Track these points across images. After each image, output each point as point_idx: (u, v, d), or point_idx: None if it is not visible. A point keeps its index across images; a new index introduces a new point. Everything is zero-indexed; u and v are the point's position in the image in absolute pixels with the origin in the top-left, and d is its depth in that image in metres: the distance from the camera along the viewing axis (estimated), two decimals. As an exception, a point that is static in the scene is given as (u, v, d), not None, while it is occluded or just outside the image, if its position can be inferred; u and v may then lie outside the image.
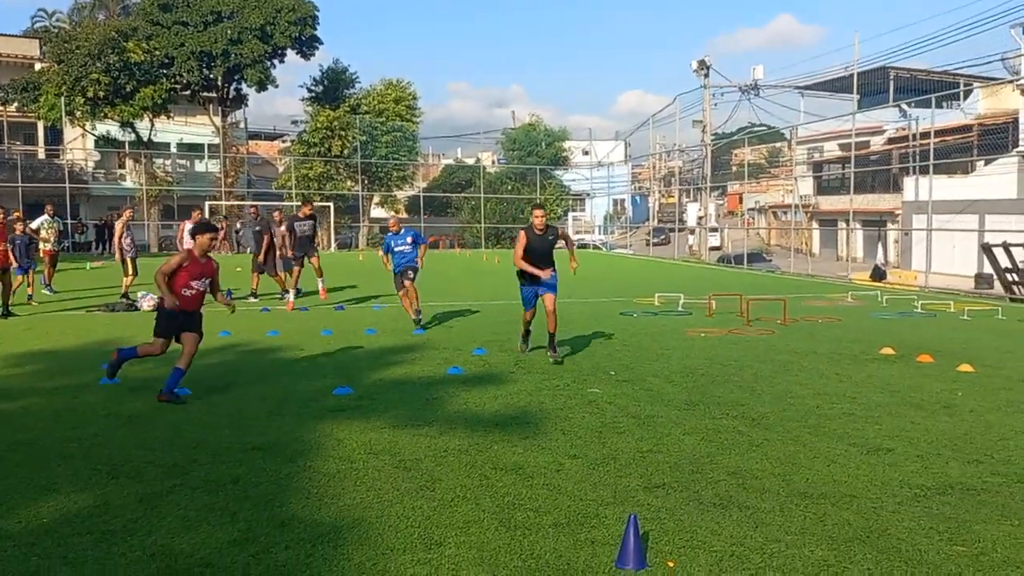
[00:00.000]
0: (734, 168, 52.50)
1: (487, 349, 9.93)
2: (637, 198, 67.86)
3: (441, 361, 9.14)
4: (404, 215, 53.26)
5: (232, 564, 3.70)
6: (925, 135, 26.20)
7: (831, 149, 46.88)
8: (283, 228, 14.99)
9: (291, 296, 14.51)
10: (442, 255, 37.03)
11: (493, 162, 58.51)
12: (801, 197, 42.38)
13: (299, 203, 20.25)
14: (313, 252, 14.77)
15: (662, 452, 5.58)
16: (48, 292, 16.33)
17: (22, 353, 9.43)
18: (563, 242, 9.69)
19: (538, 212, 9.20)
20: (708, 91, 39.99)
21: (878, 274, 26.85)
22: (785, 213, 52.05)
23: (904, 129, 38.17)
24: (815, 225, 46.99)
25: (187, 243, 15.81)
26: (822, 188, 48.55)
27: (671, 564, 3.77)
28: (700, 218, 40.86)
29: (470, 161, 58.80)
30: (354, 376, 8.23)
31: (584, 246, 48.68)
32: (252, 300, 15.38)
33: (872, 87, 43.71)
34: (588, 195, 55.80)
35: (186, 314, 7.10)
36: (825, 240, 47.12)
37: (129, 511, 4.34)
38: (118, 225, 15.53)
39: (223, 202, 41.81)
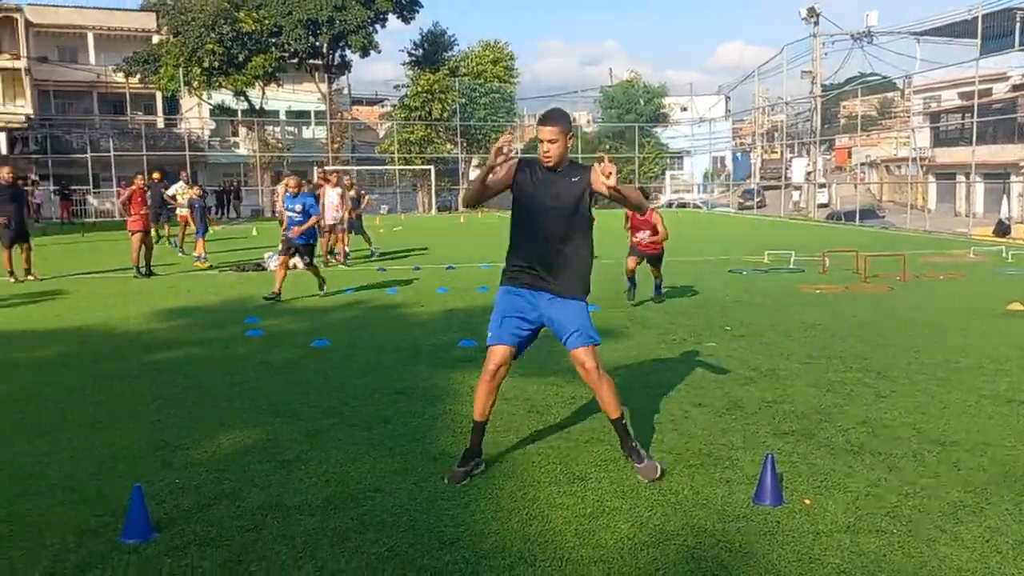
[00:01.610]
0: (842, 121, 50.51)
1: (599, 306, 10.13)
2: (739, 155, 66.22)
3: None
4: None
5: (397, 490, 4.08)
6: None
7: (949, 98, 44.48)
8: (352, 192, 16.28)
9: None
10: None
11: (588, 121, 58.06)
12: (916, 149, 40.55)
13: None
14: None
15: (787, 402, 5.70)
16: (180, 254, 17.41)
17: (171, 309, 10.20)
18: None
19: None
20: (818, 40, 38.52)
21: (1002, 229, 25.62)
22: (899, 167, 49.86)
23: (1031, 75, 35.89)
24: (931, 179, 44.89)
25: (280, 206, 16.76)
26: (939, 140, 46.22)
27: (807, 502, 3.93)
28: (808, 173, 39.64)
29: (566, 120, 58.39)
30: (476, 329, 8.58)
31: (684, 205, 48.03)
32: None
33: (996, 30, 41.10)
34: (687, 153, 54.82)
35: None
36: (942, 195, 44.97)
37: (297, 444, 4.80)
38: (280, 188, 16.81)
39: (330, 167, 43.07)
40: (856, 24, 42.97)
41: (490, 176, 4.12)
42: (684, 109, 55.26)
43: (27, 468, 4.46)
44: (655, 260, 10.33)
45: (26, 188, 18.87)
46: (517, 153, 4.16)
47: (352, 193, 16.37)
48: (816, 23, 38.10)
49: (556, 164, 4.15)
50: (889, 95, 57.74)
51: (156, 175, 18.39)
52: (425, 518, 3.77)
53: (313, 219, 11.03)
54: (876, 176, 54.17)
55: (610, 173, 3.94)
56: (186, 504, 3.93)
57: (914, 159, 41.17)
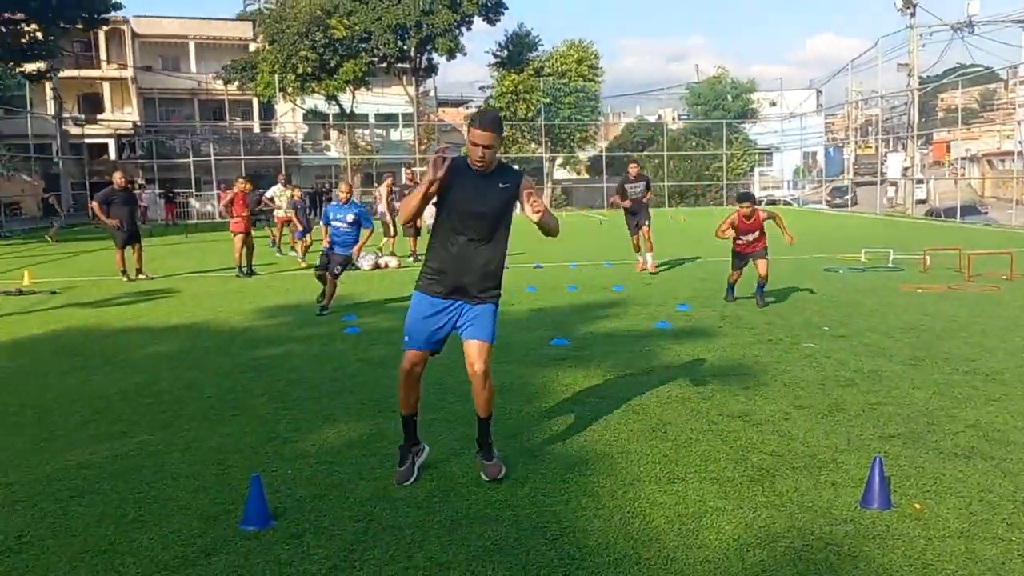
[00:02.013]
0: (940, 114, 48.46)
1: (690, 305, 10.05)
2: (831, 150, 64.27)
3: (646, 316, 9.37)
4: (585, 176, 53.57)
5: (497, 486, 4.17)
6: None
7: (1059, 88, 42.19)
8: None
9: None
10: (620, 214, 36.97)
11: (674, 118, 57.29)
12: (1022, 143, 38.60)
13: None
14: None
15: (892, 404, 5.56)
16: (278, 254, 18.02)
17: (271, 307, 10.59)
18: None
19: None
20: (915, 31, 37.10)
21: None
22: (1002, 161, 47.56)
23: None
24: (1039, 174, 42.62)
25: (382, 205, 17.15)
26: (1049, 133, 43.81)
27: (918, 506, 3.85)
28: (906, 169, 38.21)
29: (651, 119, 57.92)
30: (566, 328, 8.63)
31: (773, 202, 46.94)
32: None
33: (1113, 16, 38.77)
34: (776, 149, 53.54)
35: None
36: (1052, 190, 42.65)
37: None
38: (383, 190, 17.47)
39: (417, 168, 43.82)
40: (956, 14, 41.14)
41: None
42: (773, 104, 54.00)
43: (151, 458, 4.73)
44: (761, 255, 10.01)
45: (136, 192, 20.27)
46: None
47: None
48: (913, 14, 36.69)
49: (488, 168, 4.12)
50: (991, 87, 55.08)
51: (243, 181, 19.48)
52: (527, 513, 3.84)
53: (367, 233, 10.07)
54: (977, 171, 51.81)
55: (537, 211, 3.95)
56: (299, 494, 4.11)
57: (1019, 152, 39.21)
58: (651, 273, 13.55)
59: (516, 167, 4.65)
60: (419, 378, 4.32)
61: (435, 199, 4.15)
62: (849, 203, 41.66)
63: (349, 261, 10.14)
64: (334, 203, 10.13)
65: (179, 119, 49.23)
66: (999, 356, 6.93)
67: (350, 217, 9.87)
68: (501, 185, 4.15)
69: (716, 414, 5.39)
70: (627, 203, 13.49)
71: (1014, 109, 39.80)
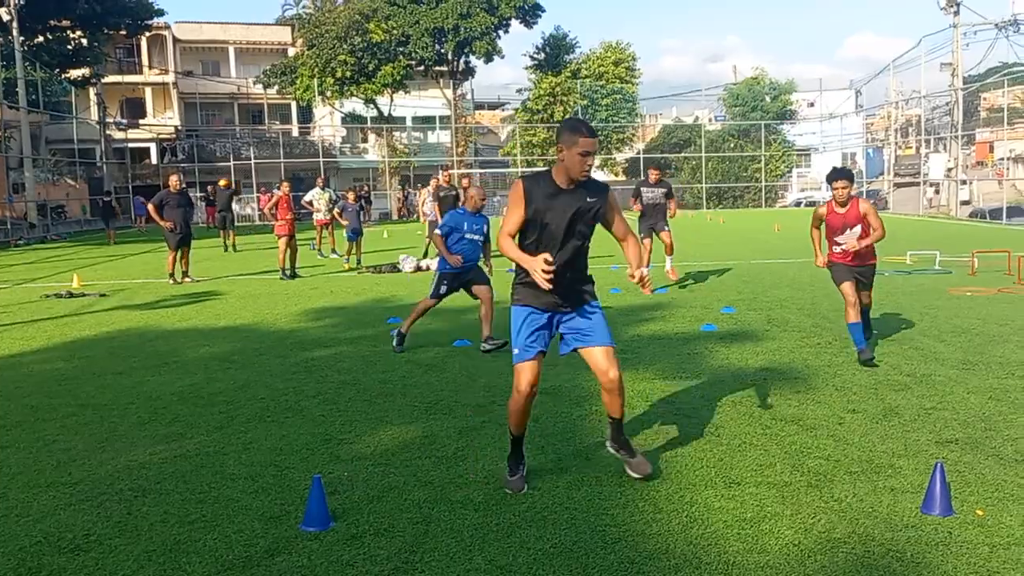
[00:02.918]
0: (983, 113, 47.52)
1: (735, 307, 9.98)
2: (870, 151, 63.35)
3: (692, 319, 9.32)
4: (623, 177, 53.39)
5: (553, 489, 4.19)
6: None
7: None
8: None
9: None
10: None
11: (711, 119, 56.88)
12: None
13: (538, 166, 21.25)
14: None
15: (947, 409, 5.48)
16: (320, 256, 18.22)
17: (317, 309, 10.72)
18: None
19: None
20: (958, 30, 36.43)
21: None
22: (1050, 161, 46.47)
23: None
24: (1089, 174, 41.61)
25: (428, 208, 17.21)
26: (1097, 131, 42.79)
27: (980, 513, 3.79)
28: (949, 170, 37.52)
29: (688, 120, 57.57)
30: (613, 331, 8.54)
31: (812, 203, 46.34)
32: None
33: None
34: (815, 150, 52.90)
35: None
36: (1101, 190, 41.65)
37: (453, 441, 4.99)
38: (430, 189, 17.67)
39: (455, 170, 44.05)
40: (1000, 11, 40.36)
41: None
42: (811, 105, 53.40)
43: (210, 459, 4.82)
44: (867, 277, 7.26)
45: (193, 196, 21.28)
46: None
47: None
48: (956, 12, 36.03)
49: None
50: (1037, 85, 53.89)
51: (223, 182, 19.98)
52: (585, 516, 3.85)
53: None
54: (1022, 171, 50.67)
55: (641, 281, 4.08)
56: (357, 496, 4.17)
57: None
58: (671, 282, 12.52)
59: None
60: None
61: (527, 217, 4.09)
62: (884, 205, 40.97)
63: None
64: (461, 210, 8.03)
65: (219, 123, 50.04)
66: (1056, 361, 6.79)
67: (486, 228, 8.01)
68: (588, 198, 4.08)
69: (769, 418, 5.36)
70: (637, 207, 12.66)
71: (1062, 107, 38.81)
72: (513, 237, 4.13)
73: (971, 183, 44.91)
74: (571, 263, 4.13)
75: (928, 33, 48.63)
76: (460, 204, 15.99)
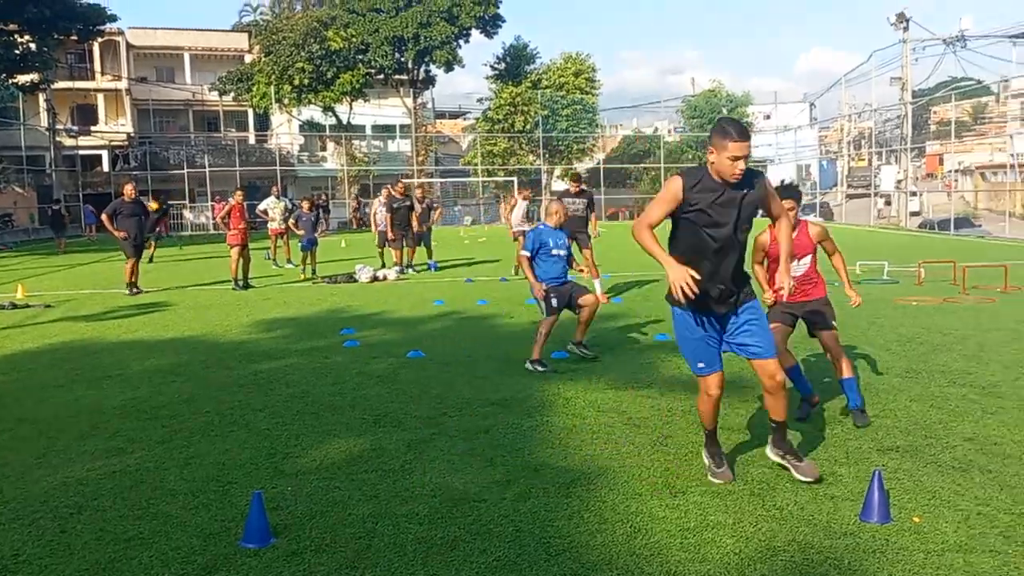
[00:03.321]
0: (933, 127, 48.75)
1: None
2: (824, 163, 64.57)
3: (645, 328, 9.39)
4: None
5: (501, 501, 4.17)
6: None
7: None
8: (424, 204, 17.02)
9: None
10: (623, 225, 37.07)
11: (670, 131, 57.51)
12: (1015, 155, 38.83)
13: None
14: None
15: (890, 417, 5.58)
16: (275, 267, 18.01)
17: (269, 320, 10.59)
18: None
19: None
20: (908, 45, 37.35)
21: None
22: (995, 174, 47.79)
23: None
24: (1032, 186, 42.83)
25: (380, 219, 17.01)
26: (1040, 145, 44.05)
27: (916, 520, 3.86)
28: (899, 182, 38.38)
29: (647, 131, 58.14)
30: (564, 341, 8.63)
31: (769, 214, 46.99)
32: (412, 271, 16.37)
33: (1103, 29, 39.06)
34: (771, 161, 53.75)
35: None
36: (1043, 202, 42.86)
37: (401, 454, 4.94)
38: (376, 203, 17.50)
39: (415, 179, 43.95)
40: (948, 28, 41.42)
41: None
42: (767, 117, 54.30)
43: (150, 474, 4.71)
44: (820, 319, 5.83)
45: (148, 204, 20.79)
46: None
47: (424, 205, 16.95)
48: (906, 28, 36.96)
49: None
50: (983, 100, 55.46)
51: (153, 205, 20.29)
52: (531, 528, 3.84)
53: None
54: (970, 183, 52.06)
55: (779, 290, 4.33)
56: (299, 511, 4.10)
57: (1012, 165, 39.42)
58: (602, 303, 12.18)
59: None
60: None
61: (680, 213, 4.13)
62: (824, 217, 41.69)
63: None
64: (543, 225, 7.71)
65: (173, 130, 49.28)
66: (995, 369, 6.96)
67: (568, 244, 7.86)
68: (745, 191, 4.10)
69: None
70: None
71: (1006, 122, 39.98)
72: (651, 228, 4.13)
73: (921, 195, 46.01)
74: (730, 263, 4.18)
75: (879, 48, 49.93)
76: (414, 215, 15.97)
